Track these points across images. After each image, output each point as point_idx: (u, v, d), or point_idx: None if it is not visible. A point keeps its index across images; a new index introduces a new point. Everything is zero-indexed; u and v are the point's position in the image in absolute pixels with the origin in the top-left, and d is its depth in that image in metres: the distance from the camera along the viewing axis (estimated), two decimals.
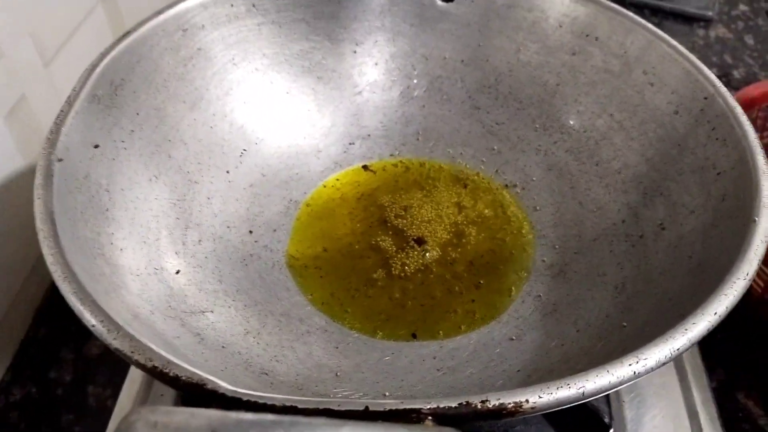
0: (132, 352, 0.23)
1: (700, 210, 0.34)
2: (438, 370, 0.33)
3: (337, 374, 0.32)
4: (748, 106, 0.47)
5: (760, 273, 0.42)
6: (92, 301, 0.24)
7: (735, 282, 0.26)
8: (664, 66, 0.39)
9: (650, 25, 0.40)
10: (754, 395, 0.42)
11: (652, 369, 0.23)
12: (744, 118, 0.34)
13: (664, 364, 0.23)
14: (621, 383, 0.22)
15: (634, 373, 0.22)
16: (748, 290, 0.42)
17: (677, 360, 0.39)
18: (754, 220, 0.29)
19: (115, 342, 0.23)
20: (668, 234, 0.35)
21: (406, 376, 0.33)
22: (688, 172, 0.36)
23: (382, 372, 0.33)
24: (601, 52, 0.42)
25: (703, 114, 0.36)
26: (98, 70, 0.35)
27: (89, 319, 0.24)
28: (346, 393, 0.31)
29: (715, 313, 0.24)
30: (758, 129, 0.48)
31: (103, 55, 0.35)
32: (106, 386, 0.40)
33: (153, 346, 0.23)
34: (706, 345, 0.42)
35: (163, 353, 0.23)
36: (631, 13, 0.41)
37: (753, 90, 0.47)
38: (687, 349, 0.23)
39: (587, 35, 0.42)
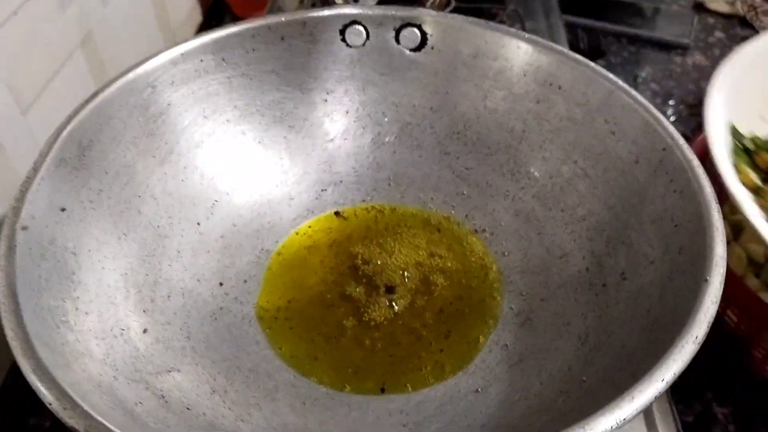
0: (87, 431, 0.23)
1: (658, 262, 0.34)
2: (404, 425, 0.34)
3: None
4: None
5: (732, 308, 0.42)
6: (50, 378, 0.25)
7: (684, 346, 0.26)
8: (625, 116, 0.39)
9: (611, 76, 0.41)
10: (731, 429, 0.42)
11: None
12: (701, 171, 0.35)
13: None
14: None
15: None
16: (721, 322, 0.43)
17: None
18: (706, 280, 0.29)
19: (70, 421, 0.23)
20: (629, 284, 0.36)
21: None
22: (648, 222, 0.36)
23: (347, 429, 0.33)
24: (565, 100, 0.42)
25: (662, 165, 0.37)
26: (65, 132, 0.35)
27: (46, 396, 0.24)
28: None
29: (663, 380, 0.25)
30: None
31: (70, 118, 0.36)
32: None
33: (108, 425, 0.23)
34: (682, 380, 0.43)
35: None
36: (592, 64, 0.42)
37: None
38: (634, 416, 0.24)
39: (551, 84, 0.43)
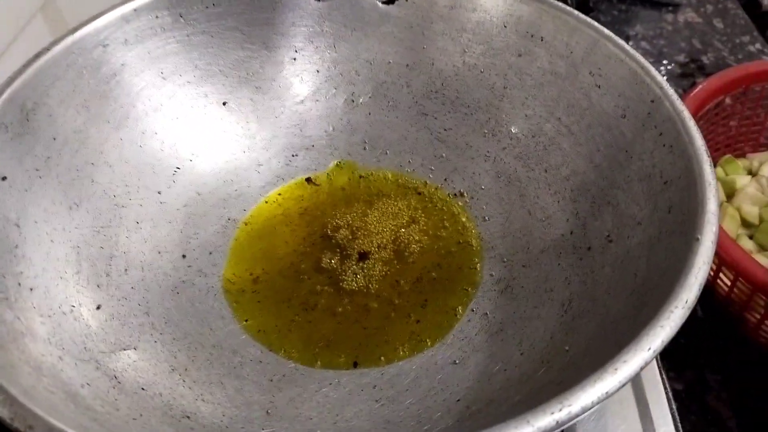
0: (12, 419, 0.21)
1: (646, 222, 0.32)
2: (376, 401, 0.32)
3: (268, 412, 0.31)
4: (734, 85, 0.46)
5: (725, 272, 0.41)
6: None
7: (672, 312, 0.24)
8: (611, 67, 0.37)
9: (596, 24, 0.38)
10: (723, 396, 0.41)
11: (578, 416, 0.21)
12: (692, 123, 0.32)
13: (590, 409, 0.21)
14: None
15: (557, 422, 0.20)
16: (713, 289, 0.41)
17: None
18: (697, 239, 0.27)
19: None
20: (615, 247, 0.33)
21: (342, 409, 0.31)
22: (635, 180, 0.34)
23: (317, 406, 0.31)
24: (547, 53, 0.40)
25: (650, 118, 0.34)
26: (4, 96, 0.32)
27: None
28: None
29: (650, 349, 0.23)
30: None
31: (10, 80, 0.33)
32: None
33: (38, 411, 0.21)
34: (673, 347, 0.41)
35: (47, 418, 0.21)
36: (576, 12, 0.39)
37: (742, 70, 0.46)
38: (617, 390, 0.22)
39: (532, 35, 0.40)
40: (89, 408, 0.25)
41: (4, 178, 0.31)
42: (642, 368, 0.22)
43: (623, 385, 0.22)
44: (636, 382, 0.37)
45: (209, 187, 0.41)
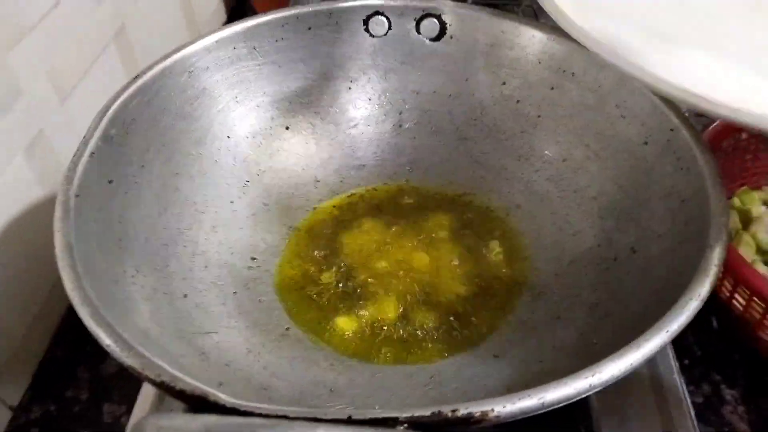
0: (143, 369, 0.26)
1: (666, 234, 0.36)
2: (425, 385, 0.36)
3: (331, 390, 0.35)
4: None
5: (740, 292, 0.44)
6: (107, 324, 0.27)
7: (688, 302, 0.28)
8: (635, 100, 0.42)
9: None
10: (740, 411, 0.43)
11: (607, 382, 0.25)
12: (706, 149, 0.37)
13: (618, 377, 0.25)
14: (578, 394, 0.25)
15: (590, 385, 0.25)
16: (729, 307, 0.44)
17: (656, 383, 0.41)
18: (710, 245, 0.31)
19: (128, 360, 0.26)
20: (638, 257, 0.38)
21: (395, 391, 0.35)
22: (656, 199, 0.38)
23: (373, 387, 0.36)
24: (577, 86, 0.45)
25: (669, 144, 0.39)
26: (111, 111, 0.38)
27: (105, 339, 0.27)
28: (339, 407, 0.33)
29: (667, 331, 0.27)
30: None
31: (115, 98, 0.39)
32: (121, 403, 0.42)
33: (162, 363, 0.26)
34: (691, 362, 0.45)
35: (171, 370, 0.26)
36: None
37: None
38: (640, 364, 0.26)
39: (564, 71, 0.45)
40: (190, 372, 0.30)
41: (110, 182, 0.37)
42: (660, 347, 0.27)
43: (646, 359, 0.26)
44: (660, 395, 0.40)
45: (274, 198, 0.46)
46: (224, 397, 0.24)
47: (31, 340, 0.44)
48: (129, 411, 0.40)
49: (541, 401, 0.24)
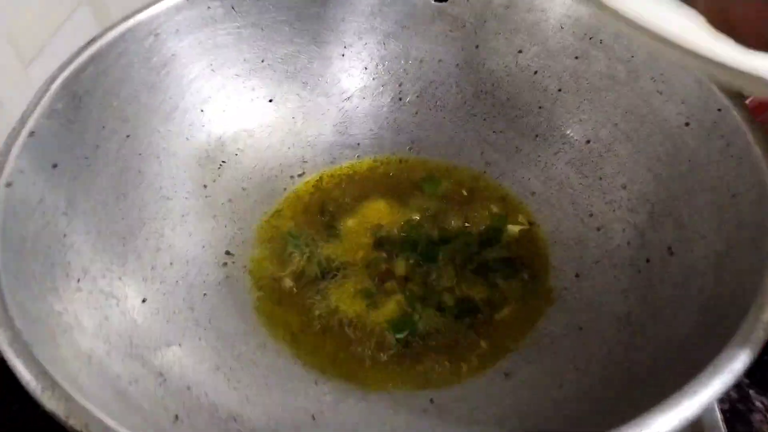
0: (67, 417, 0.20)
1: (712, 236, 0.31)
2: (424, 411, 0.31)
3: (314, 417, 0.30)
4: None
5: None
6: (28, 353, 0.22)
7: (752, 332, 0.23)
8: (674, 73, 0.35)
9: None
10: None
11: None
12: (762, 134, 0.31)
13: None
14: None
15: None
16: None
17: None
18: None
19: (49, 403, 0.21)
20: (677, 261, 0.32)
21: (389, 418, 0.30)
22: (699, 192, 0.33)
23: (363, 413, 0.31)
24: (606, 56, 0.38)
25: (716, 127, 0.33)
26: (57, 82, 0.32)
27: (23, 374, 0.21)
28: None
29: (731, 372, 0.21)
30: None
31: (63, 67, 0.33)
32: None
33: (92, 408, 0.20)
34: None
35: (103, 418, 0.20)
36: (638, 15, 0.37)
37: None
38: (697, 416, 0.21)
39: (591, 38, 0.39)
40: (139, 408, 0.25)
41: (54, 166, 0.31)
42: (724, 392, 0.21)
43: (703, 409, 0.21)
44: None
45: (254, 182, 0.41)
46: None
47: None
48: None
49: None
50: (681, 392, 0.21)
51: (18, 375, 0.22)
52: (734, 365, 0.22)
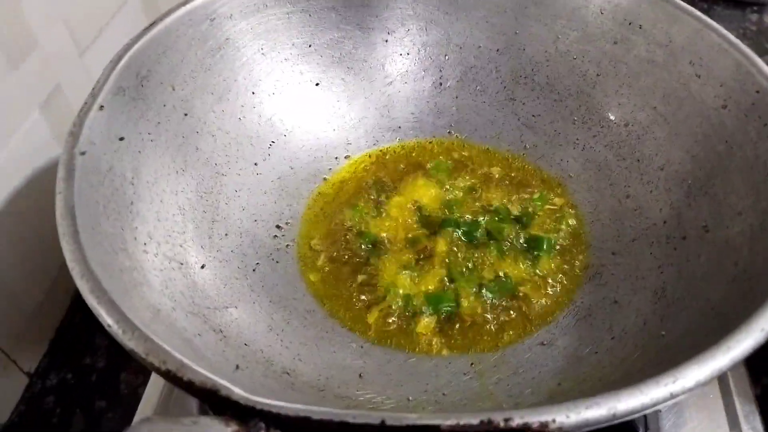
0: (147, 355, 0.22)
1: (748, 212, 0.32)
2: (465, 374, 0.32)
3: (360, 375, 0.32)
4: None
5: None
6: (109, 300, 0.24)
7: None
8: (713, 57, 0.36)
9: (698, 13, 0.38)
10: None
11: (690, 390, 0.21)
12: None
13: (703, 384, 0.21)
14: (655, 404, 0.21)
15: (671, 394, 0.21)
16: None
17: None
18: None
19: (129, 343, 0.23)
20: (712, 237, 0.33)
21: (431, 379, 0.32)
22: (735, 171, 0.34)
23: (406, 374, 0.32)
24: (645, 41, 0.39)
25: (754, 109, 0.34)
26: (123, 61, 0.34)
27: (105, 318, 0.24)
28: (368, 396, 0.30)
29: (762, 330, 0.23)
30: None
31: (128, 47, 0.35)
32: (138, 373, 0.40)
33: (169, 348, 0.22)
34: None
35: (179, 356, 0.22)
36: (677, 0, 0.38)
37: None
38: (729, 369, 0.22)
39: (630, 23, 0.40)
40: (203, 356, 0.27)
41: (121, 139, 0.33)
42: (754, 349, 0.22)
43: (735, 364, 0.22)
44: (725, 385, 0.36)
45: (301, 162, 0.42)
46: (237, 393, 0.21)
47: (49, 305, 0.42)
48: (146, 382, 0.38)
49: (612, 412, 0.20)
50: (716, 347, 0.22)
51: (100, 319, 0.24)
52: (766, 324, 0.23)
